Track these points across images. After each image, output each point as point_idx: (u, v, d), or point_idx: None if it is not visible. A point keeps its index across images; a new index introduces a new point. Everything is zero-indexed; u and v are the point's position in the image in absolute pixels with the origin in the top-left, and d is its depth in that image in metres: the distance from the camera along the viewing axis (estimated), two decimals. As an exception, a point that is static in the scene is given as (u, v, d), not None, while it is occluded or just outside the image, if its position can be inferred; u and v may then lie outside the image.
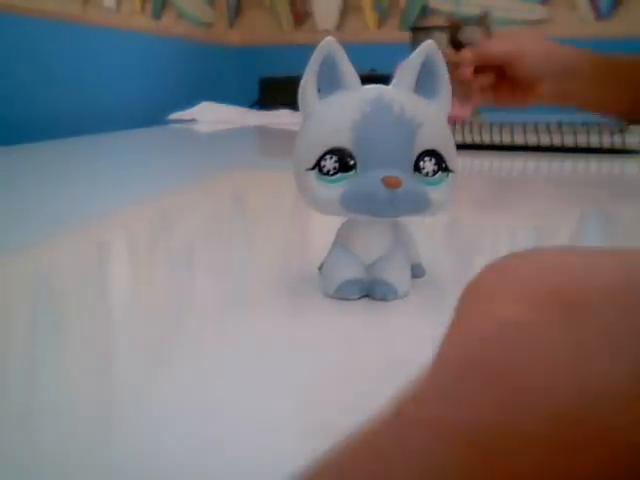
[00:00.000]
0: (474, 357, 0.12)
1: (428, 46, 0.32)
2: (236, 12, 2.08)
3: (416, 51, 0.32)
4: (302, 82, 0.32)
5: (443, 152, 0.31)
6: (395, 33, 1.95)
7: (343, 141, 0.30)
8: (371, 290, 0.32)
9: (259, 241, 0.49)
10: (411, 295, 0.33)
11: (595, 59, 0.94)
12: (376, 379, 0.25)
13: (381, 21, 2.01)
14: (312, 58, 0.31)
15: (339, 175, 0.30)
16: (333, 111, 0.31)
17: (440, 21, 1.93)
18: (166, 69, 1.68)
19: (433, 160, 0.31)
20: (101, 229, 0.51)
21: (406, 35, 1.47)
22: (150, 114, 1.49)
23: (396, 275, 0.32)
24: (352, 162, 0.30)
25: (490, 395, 0.11)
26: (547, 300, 0.12)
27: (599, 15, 1.85)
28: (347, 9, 2.03)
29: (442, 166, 0.31)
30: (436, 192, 0.31)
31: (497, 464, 0.10)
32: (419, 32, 1.53)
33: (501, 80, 0.92)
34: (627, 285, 0.12)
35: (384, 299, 0.32)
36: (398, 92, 0.31)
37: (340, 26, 2.03)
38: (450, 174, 0.31)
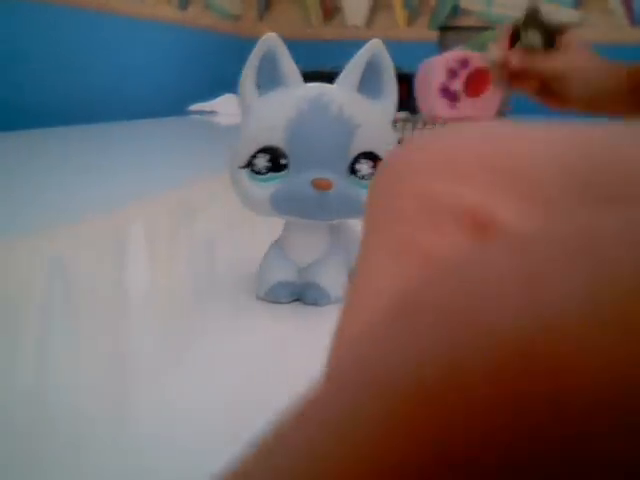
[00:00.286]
0: (416, 294, 0.11)
1: (374, 45, 0.31)
2: (266, 5, 2.07)
3: (361, 50, 0.31)
4: (241, 78, 0.31)
5: (382, 154, 0.30)
6: (424, 32, 1.93)
7: (276, 140, 0.29)
8: (302, 294, 0.31)
9: (256, 235, 0.48)
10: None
11: (631, 74, 0.93)
12: (299, 383, 0.24)
13: (411, 19, 1.99)
14: (252, 53, 0.31)
15: (270, 175, 0.29)
16: (269, 108, 0.30)
17: (470, 21, 1.91)
18: (191, 60, 1.68)
19: (370, 162, 0.30)
20: (123, 216, 0.51)
21: (435, 34, 1.45)
22: (173, 104, 1.49)
23: (329, 279, 0.31)
24: (284, 162, 0.29)
25: (440, 333, 0.10)
26: (478, 169, 0.11)
27: (633, 21, 1.81)
28: (377, 6, 2.01)
29: (380, 169, 0.30)
30: (372, 196, 0.30)
31: (449, 405, 0.10)
32: (447, 31, 1.51)
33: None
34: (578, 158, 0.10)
35: (315, 304, 0.31)
36: (339, 91, 0.30)
37: (369, 23, 2.02)
38: (390, 178, 0.30)
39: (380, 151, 0.30)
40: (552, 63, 0.94)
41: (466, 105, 1.30)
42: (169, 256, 0.43)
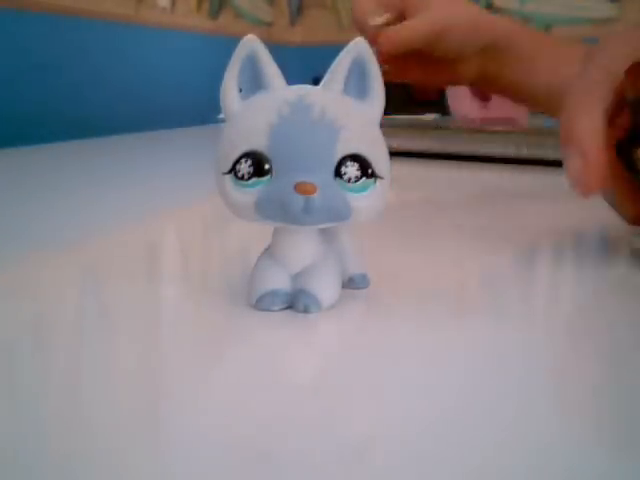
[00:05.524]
0: None
1: (358, 44, 0.30)
2: (297, 11, 2.07)
3: (345, 49, 0.30)
4: (223, 82, 0.30)
5: (369, 157, 0.29)
6: (457, 31, 1.91)
7: (259, 144, 0.29)
8: (293, 302, 0.31)
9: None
10: (340, 307, 0.31)
11: (534, 36, 0.74)
12: (287, 395, 0.23)
13: (443, 19, 1.97)
14: (233, 57, 0.30)
15: (254, 180, 0.29)
16: (251, 113, 0.30)
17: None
18: (222, 68, 1.69)
19: (356, 165, 0.29)
20: (153, 227, 0.51)
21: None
22: (204, 113, 1.50)
23: (321, 285, 0.31)
24: (267, 166, 0.29)
25: None
26: None
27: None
28: (409, 7, 1.99)
29: (367, 172, 0.29)
30: (360, 199, 0.29)
31: None
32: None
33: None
34: None
35: (306, 311, 0.30)
36: (323, 93, 0.30)
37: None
38: (378, 180, 0.30)
39: (367, 153, 0.29)
40: (422, 29, 0.73)
41: (497, 105, 1.27)
42: (201, 267, 0.42)
